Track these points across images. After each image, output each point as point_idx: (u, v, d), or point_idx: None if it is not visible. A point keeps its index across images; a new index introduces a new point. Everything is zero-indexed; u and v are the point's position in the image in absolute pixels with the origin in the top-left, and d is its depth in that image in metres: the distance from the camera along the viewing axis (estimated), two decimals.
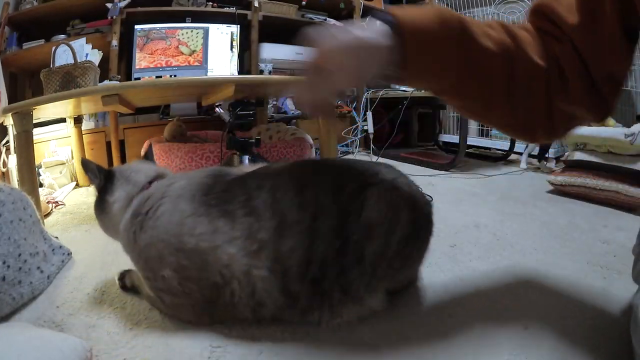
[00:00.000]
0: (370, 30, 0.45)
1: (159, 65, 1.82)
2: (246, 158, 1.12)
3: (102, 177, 0.61)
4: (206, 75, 1.88)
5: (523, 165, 1.74)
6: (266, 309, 0.50)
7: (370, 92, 2.22)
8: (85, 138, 1.67)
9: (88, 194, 1.45)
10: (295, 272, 0.48)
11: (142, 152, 1.56)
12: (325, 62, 0.45)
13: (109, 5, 1.72)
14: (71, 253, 0.81)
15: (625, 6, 0.44)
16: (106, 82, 1.45)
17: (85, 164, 0.61)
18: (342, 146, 2.20)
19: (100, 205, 0.60)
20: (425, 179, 1.48)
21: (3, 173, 1.30)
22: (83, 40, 1.57)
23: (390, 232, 0.50)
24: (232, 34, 1.93)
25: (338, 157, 1.38)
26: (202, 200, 0.52)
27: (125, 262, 0.60)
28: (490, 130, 2.30)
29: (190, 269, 0.50)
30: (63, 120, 1.70)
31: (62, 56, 1.33)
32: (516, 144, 1.92)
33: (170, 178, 0.61)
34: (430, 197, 1.19)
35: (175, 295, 0.52)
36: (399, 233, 0.51)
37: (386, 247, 0.50)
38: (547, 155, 1.75)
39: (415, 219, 0.53)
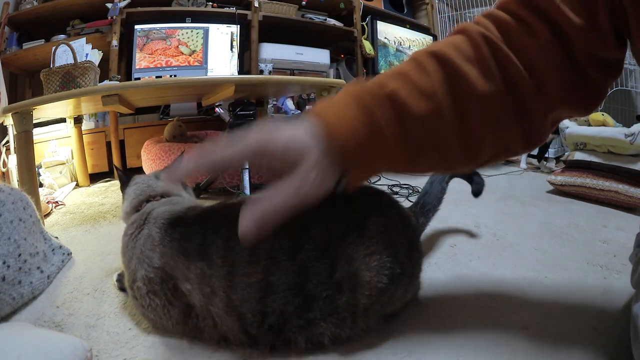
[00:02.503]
0: (300, 135, 0.38)
1: (159, 65, 1.82)
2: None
3: (123, 186, 0.70)
4: (206, 75, 1.88)
5: (523, 165, 1.74)
6: (231, 343, 0.49)
7: None
8: (85, 138, 1.67)
9: (88, 194, 1.45)
10: (251, 319, 0.46)
11: (142, 153, 1.56)
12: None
13: (109, 5, 1.72)
14: (71, 253, 0.81)
15: (616, 11, 0.40)
16: (106, 82, 1.45)
17: (118, 172, 0.72)
18: None
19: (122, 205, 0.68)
20: (425, 179, 1.48)
21: (3, 173, 1.30)
22: (83, 40, 1.57)
23: (360, 289, 0.46)
24: (232, 34, 1.93)
25: None
26: (168, 231, 0.53)
27: None
28: None
29: (155, 284, 0.51)
30: (63, 120, 1.70)
31: (62, 56, 1.33)
32: None
33: (160, 202, 0.63)
34: None
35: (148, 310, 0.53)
36: (377, 285, 0.47)
37: (360, 301, 0.46)
38: (547, 155, 1.75)
39: (393, 262, 0.48)
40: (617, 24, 0.40)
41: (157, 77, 1.82)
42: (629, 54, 0.46)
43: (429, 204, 0.69)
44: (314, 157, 0.37)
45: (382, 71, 2.37)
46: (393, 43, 2.51)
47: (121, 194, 0.70)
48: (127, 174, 0.71)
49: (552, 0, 0.40)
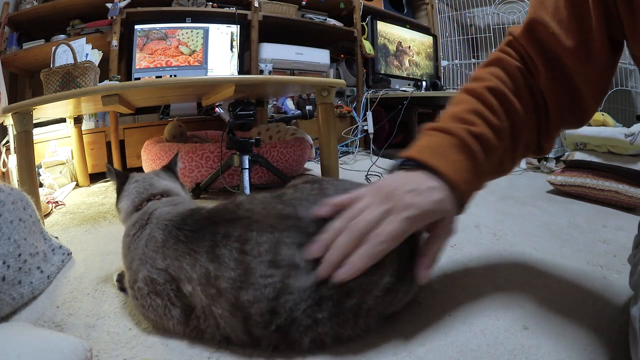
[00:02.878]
0: (429, 195, 0.46)
1: (159, 65, 1.82)
2: (246, 158, 1.12)
3: (119, 183, 0.68)
4: (206, 75, 1.88)
5: (523, 165, 1.74)
6: (233, 344, 0.49)
7: (370, 92, 2.22)
8: (85, 138, 1.67)
9: (88, 194, 1.45)
10: (258, 320, 0.45)
11: (142, 153, 1.56)
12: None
13: (109, 5, 1.73)
14: (71, 253, 0.81)
15: (610, 19, 0.46)
16: (106, 82, 1.45)
17: (110, 171, 0.71)
18: (342, 146, 2.20)
19: (117, 205, 0.68)
20: None
21: (3, 173, 1.30)
22: (83, 40, 1.57)
23: (370, 290, 0.47)
24: (232, 34, 1.93)
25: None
26: (173, 233, 0.52)
27: None
28: None
29: (158, 285, 0.51)
30: (63, 120, 1.70)
31: (62, 56, 1.33)
32: None
33: (161, 202, 0.63)
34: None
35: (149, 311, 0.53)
36: (381, 286, 0.47)
37: (367, 303, 0.47)
38: (546, 156, 1.75)
39: (397, 265, 0.48)
40: (612, 34, 0.47)
41: (157, 77, 1.82)
42: (629, 54, 0.50)
43: None
44: (452, 212, 0.48)
45: (382, 71, 2.37)
46: (393, 43, 2.51)
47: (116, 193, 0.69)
48: (121, 172, 0.71)
49: (548, 30, 0.48)
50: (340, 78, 2.41)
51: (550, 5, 0.48)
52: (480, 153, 0.48)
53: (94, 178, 1.70)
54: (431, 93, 2.13)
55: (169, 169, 0.76)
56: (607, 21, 0.46)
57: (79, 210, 1.22)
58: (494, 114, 0.50)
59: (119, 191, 0.68)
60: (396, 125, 2.08)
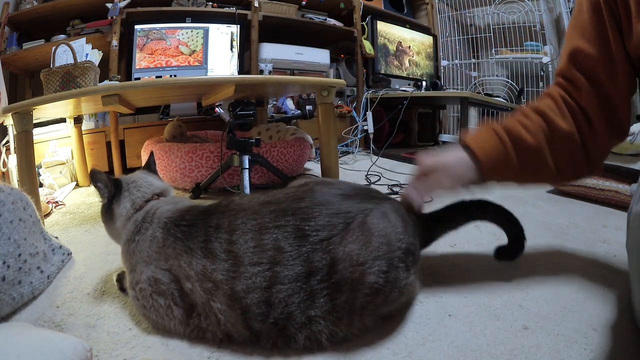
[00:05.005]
0: (455, 157, 0.62)
1: (159, 65, 1.82)
2: (246, 158, 1.12)
3: (112, 187, 0.62)
4: (206, 75, 1.88)
5: None
6: (234, 341, 0.49)
7: (370, 92, 2.22)
8: (85, 138, 1.67)
9: (88, 194, 1.45)
10: (256, 311, 0.46)
11: (142, 153, 1.56)
12: (429, 175, 0.62)
13: (109, 5, 1.72)
14: (71, 253, 0.81)
15: (618, 24, 0.56)
16: (106, 82, 1.45)
17: (94, 175, 0.62)
18: (342, 146, 2.20)
19: (107, 213, 0.62)
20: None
21: (3, 173, 1.30)
22: (83, 40, 1.57)
23: (360, 288, 0.47)
24: (232, 34, 1.93)
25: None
26: (171, 231, 0.53)
27: None
28: None
29: (162, 285, 0.51)
30: (63, 120, 1.70)
31: (62, 56, 1.33)
32: None
33: (161, 201, 0.62)
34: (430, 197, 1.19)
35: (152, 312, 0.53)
36: (373, 286, 0.47)
37: (358, 300, 0.47)
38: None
39: (389, 266, 0.48)
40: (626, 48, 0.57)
41: (157, 77, 1.82)
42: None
43: (451, 218, 0.66)
44: (465, 166, 0.61)
45: (382, 71, 2.37)
46: (393, 43, 2.51)
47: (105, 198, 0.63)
48: (109, 175, 0.64)
49: (584, 52, 0.59)
50: (340, 78, 2.41)
51: (579, 27, 0.61)
52: (507, 143, 0.60)
53: None
54: (431, 93, 2.13)
55: (151, 169, 0.72)
56: (617, 27, 0.57)
57: (79, 210, 1.22)
58: (529, 119, 0.61)
59: (114, 195, 0.62)
60: (396, 125, 2.08)
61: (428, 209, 0.65)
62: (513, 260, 0.70)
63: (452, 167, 0.61)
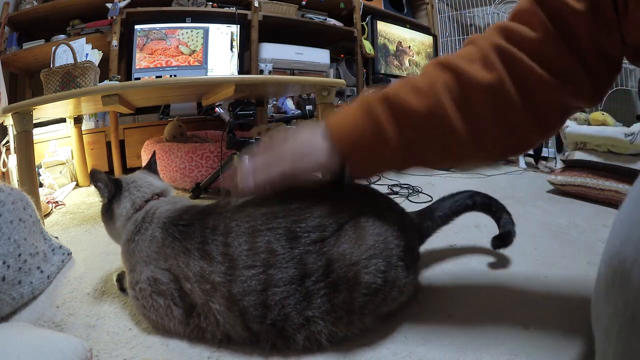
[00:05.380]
0: (310, 135, 0.50)
1: (159, 65, 1.82)
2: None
3: (112, 187, 0.62)
4: (206, 75, 1.87)
5: (522, 165, 1.74)
6: (234, 342, 0.49)
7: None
8: (85, 138, 1.67)
9: (88, 194, 1.45)
10: (253, 313, 0.46)
11: (142, 153, 1.56)
12: (270, 157, 0.50)
13: (109, 5, 1.72)
14: (71, 253, 0.81)
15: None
16: (106, 82, 1.45)
17: (95, 174, 0.62)
18: None
19: (108, 213, 0.62)
20: (425, 179, 1.48)
21: (3, 173, 1.30)
22: (83, 40, 1.57)
23: (357, 287, 0.47)
24: (232, 34, 1.93)
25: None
26: (170, 230, 0.53)
27: None
28: None
29: (162, 284, 0.51)
30: (63, 120, 1.70)
31: (62, 56, 1.33)
32: None
33: (161, 201, 0.61)
34: (431, 197, 1.19)
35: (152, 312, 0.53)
36: (372, 285, 0.47)
37: (356, 300, 0.47)
38: (546, 155, 1.76)
39: (387, 265, 0.48)
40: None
41: (157, 77, 1.82)
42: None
43: (440, 210, 0.66)
44: (320, 145, 0.47)
45: (382, 71, 2.37)
46: (393, 43, 2.51)
47: (106, 199, 0.62)
48: (110, 175, 0.64)
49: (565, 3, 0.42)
50: (340, 78, 2.41)
51: None
52: (380, 113, 0.46)
53: None
54: None
55: (152, 169, 0.72)
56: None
57: (79, 210, 1.22)
58: (422, 77, 0.47)
59: (114, 195, 0.62)
60: None
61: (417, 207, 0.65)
62: (507, 247, 0.70)
63: (300, 147, 0.49)
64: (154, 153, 0.77)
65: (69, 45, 1.26)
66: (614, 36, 0.42)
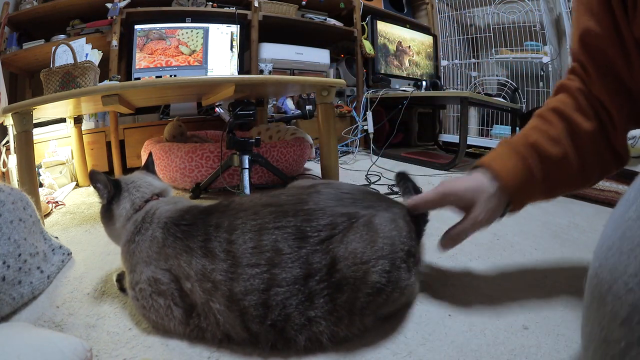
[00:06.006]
0: (475, 180, 0.57)
1: (159, 65, 1.82)
2: (246, 158, 1.12)
3: (112, 187, 0.62)
4: (206, 75, 1.88)
5: None
6: (234, 342, 0.49)
7: (370, 92, 2.22)
8: (85, 138, 1.67)
9: (88, 194, 1.45)
10: (253, 313, 0.46)
11: (142, 153, 1.56)
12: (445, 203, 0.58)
13: (109, 5, 1.72)
14: (71, 253, 0.81)
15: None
16: (106, 82, 1.45)
17: (94, 175, 0.61)
18: (342, 146, 2.20)
19: (107, 214, 0.62)
20: (425, 179, 1.48)
21: (3, 173, 1.30)
22: (83, 40, 1.57)
23: (362, 287, 0.47)
24: (232, 34, 1.93)
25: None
26: (171, 230, 0.53)
27: None
28: (490, 130, 2.30)
29: (162, 284, 0.51)
30: (63, 120, 1.70)
31: (62, 56, 1.33)
32: None
33: (160, 202, 0.61)
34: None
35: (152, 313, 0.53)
36: (375, 286, 0.47)
37: (359, 300, 0.47)
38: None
39: (391, 266, 0.49)
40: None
41: (157, 77, 1.82)
42: None
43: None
44: (487, 194, 0.55)
45: (382, 71, 2.37)
46: (393, 43, 2.51)
47: (105, 199, 0.62)
48: (108, 176, 0.63)
49: (592, 32, 0.53)
50: (340, 78, 2.41)
51: (586, 4, 0.54)
52: (532, 157, 0.55)
53: None
54: (431, 93, 2.13)
55: (149, 169, 0.72)
56: (623, 6, 0.50)
57: (79, 210, 1.22)
58: (551, 126, 0.56)
59: (113, 196, 0.62)
60: (396, 125, 2.08)
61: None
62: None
63: (475, 196, 0.55)
64: (150, 154, 0.77)
65: (69, 45, 1.26)
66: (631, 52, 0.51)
